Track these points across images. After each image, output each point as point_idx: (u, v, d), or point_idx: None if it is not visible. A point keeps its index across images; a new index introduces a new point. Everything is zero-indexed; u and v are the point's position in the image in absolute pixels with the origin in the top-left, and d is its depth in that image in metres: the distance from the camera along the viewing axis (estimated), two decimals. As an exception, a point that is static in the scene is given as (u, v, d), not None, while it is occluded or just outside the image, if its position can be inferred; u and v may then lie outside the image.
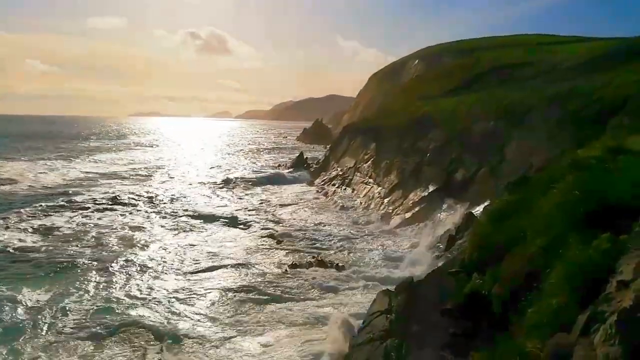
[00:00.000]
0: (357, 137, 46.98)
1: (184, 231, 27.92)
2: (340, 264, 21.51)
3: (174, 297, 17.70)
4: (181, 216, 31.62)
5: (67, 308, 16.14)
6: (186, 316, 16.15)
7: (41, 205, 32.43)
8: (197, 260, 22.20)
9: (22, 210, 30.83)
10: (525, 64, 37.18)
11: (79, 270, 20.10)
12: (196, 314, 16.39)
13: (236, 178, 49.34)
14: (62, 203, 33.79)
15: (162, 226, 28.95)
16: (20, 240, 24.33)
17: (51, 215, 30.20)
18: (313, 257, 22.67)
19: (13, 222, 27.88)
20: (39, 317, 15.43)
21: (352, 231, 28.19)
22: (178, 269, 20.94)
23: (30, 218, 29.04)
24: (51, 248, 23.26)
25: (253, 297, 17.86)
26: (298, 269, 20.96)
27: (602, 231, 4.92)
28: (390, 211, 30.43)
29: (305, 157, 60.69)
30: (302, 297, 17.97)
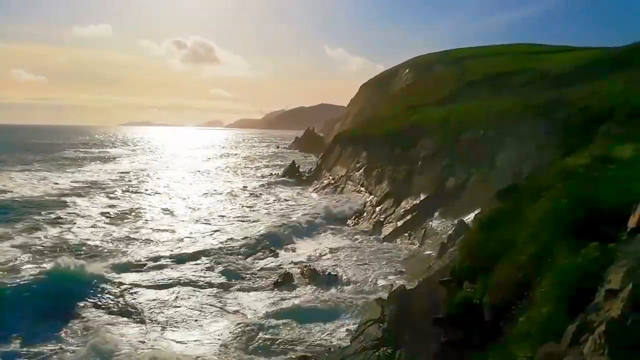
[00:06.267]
0: (348, 146, 47.14)
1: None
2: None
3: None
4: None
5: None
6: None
7: (30, 216, 32.00)
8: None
9: (11, 220, 30.39)
10: (514, 73, 37.66)
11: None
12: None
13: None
14: (50, 213, 33.32)
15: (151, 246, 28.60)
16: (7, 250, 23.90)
17: (39, 225, 29.74)
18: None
19: (3, 233, 27.41)
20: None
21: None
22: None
23: (19, 228, 28.58)
24: (39, 257, 22.86)
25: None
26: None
27: (591, 239, 4.96)
28: (382, 220, 30.45)
29: (297, 165, 60.73)
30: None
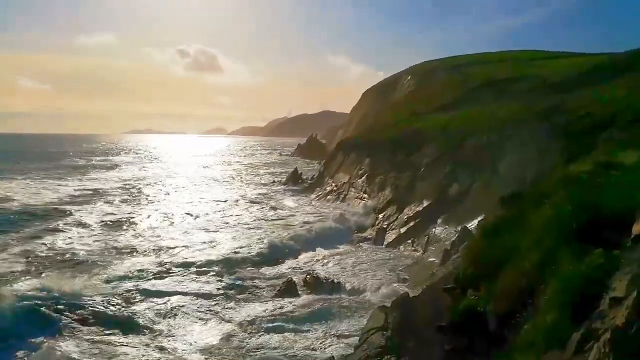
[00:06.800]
0: (351, 153, 47.18)
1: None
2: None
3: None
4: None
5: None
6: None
7: (33, 224, 32.15)
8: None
9: (13, 229, 30.49)
10: (516, 80, 37.74)
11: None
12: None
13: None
14: (53, 222, 33.44)
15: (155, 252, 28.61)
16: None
17: (41, 234, 29.82)
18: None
19: (9, 241, 27.47)
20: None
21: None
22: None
23: (21, 236, 28.67)
24: (38, 267, 22.87)
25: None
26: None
27: (595, 246, 4.93)
28: (386, 227, 30.38)
29: (299, 173, 60.85)
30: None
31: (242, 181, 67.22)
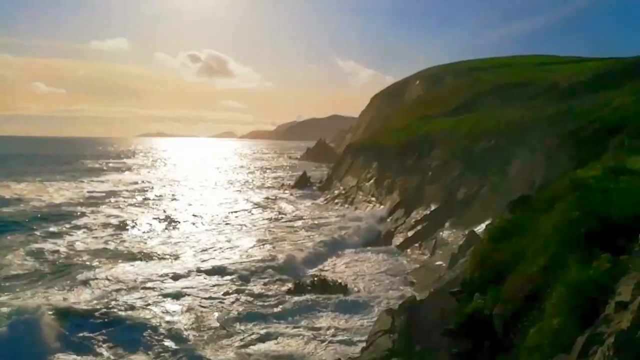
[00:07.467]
0: (359, 156, 47.22)
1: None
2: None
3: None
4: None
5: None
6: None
7: (44, 226, 32.56)
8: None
9: (23, 230, 30.93)
10: (524, 84, 37.56)
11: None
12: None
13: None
14: (64, 224, 33.82)
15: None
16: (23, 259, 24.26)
17: (52, 236, 30.20)
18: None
19: (18, 242, 27.85)
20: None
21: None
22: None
23: (31, 238, 29.07)
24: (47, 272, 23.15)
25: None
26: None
27: (602, 251, 4.94)
28: (393, 230, 30.34)
29: (308, 176, 60.97)
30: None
31: (251, 184, 67.48)
